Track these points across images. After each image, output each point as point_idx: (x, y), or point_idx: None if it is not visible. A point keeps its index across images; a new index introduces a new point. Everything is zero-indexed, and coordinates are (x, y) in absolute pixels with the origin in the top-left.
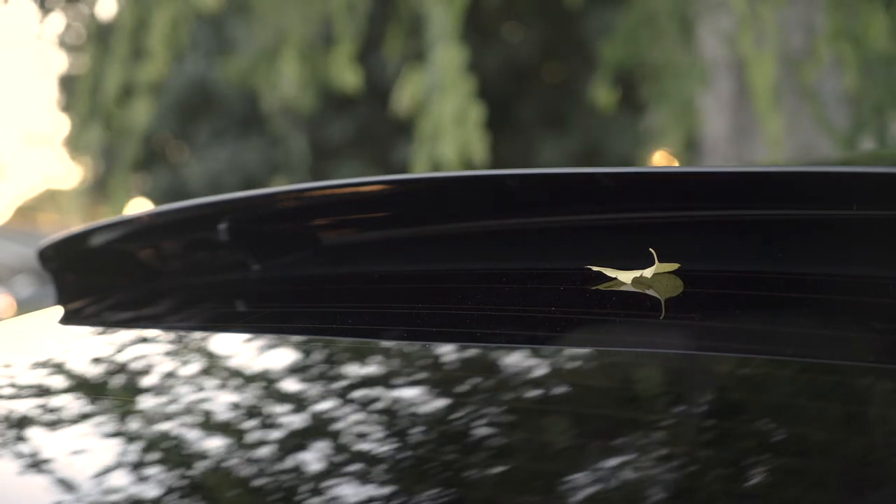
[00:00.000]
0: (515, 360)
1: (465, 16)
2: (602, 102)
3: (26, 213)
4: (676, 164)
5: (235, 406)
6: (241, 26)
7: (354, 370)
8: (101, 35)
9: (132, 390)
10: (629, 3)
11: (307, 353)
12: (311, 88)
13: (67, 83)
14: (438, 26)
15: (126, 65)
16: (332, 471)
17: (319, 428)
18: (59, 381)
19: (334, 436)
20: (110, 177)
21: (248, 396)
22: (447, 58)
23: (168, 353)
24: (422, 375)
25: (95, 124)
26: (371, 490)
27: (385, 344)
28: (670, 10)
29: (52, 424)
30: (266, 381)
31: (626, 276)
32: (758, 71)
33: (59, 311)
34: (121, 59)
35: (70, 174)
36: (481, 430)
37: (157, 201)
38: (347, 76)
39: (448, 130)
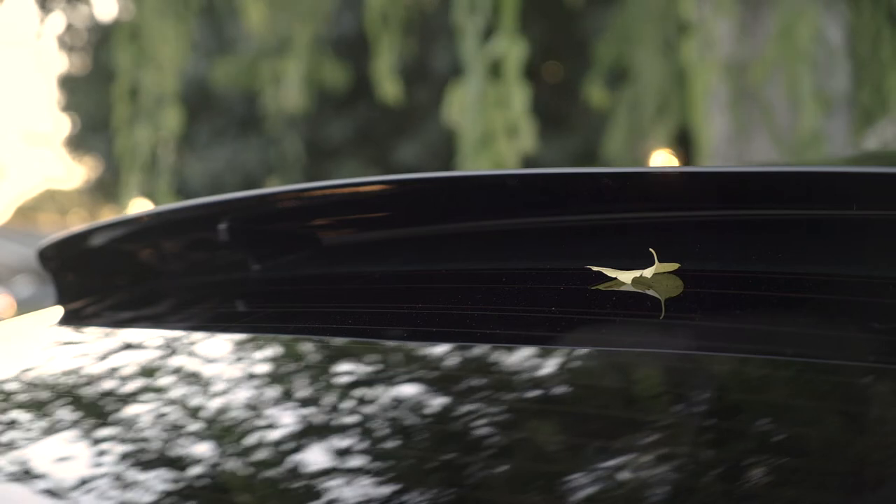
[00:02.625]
0: (515, 360)
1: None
2: (595, 101)
3: (26, 213)
4: (677, 163)
5: (235, 406)
6: (241, 26)
7: (354, 370)
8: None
9: (132, 390)
10: (624, 3)
11: (307, 353)
12: (310, 90)
13: (67, 83)
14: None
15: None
16: (333, 471)
17: (319, 428)
18: (59, 382)
19: (334, 436)
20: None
21: (248, 396)
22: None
23: (168, 354)
24: (422, 375)
25: (140, 130)
26: (371, 490)
27: (385, 344)
28: (666, 11)
29: (53, 424)
30: (266, 381)
31: (626, 276)
32: (699, 78)
33: (59, 311)
34: (156, 66)
35: (70, 174)
36: (481, 430)
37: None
38: (388, 87)
39: (497, 136)
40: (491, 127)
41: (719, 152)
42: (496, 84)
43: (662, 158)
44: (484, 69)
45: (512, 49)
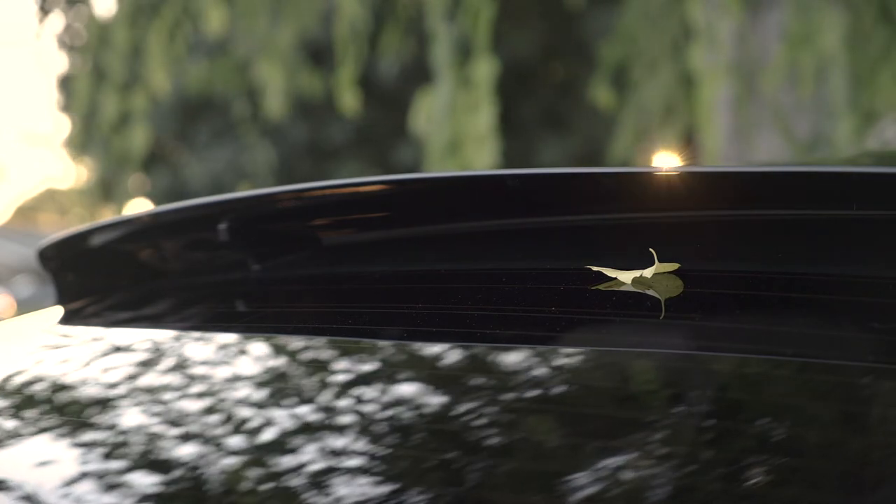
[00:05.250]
0: (515, 360)
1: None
2: (601, 102)
3: (26, 213)
4: (677, 163)
5: (236, 406)
6: (242, 27)
7: (354, 370)
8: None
9: (133, 390)
10: (627, 3)
11: (307, 353)
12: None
13: (67, 83)
14: (447, 44)
15: (122, 92)
16: (333, 470)
17: (319, 428)
18: (59, 382)
19: (334, 436)
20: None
21: (248, 396)
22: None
23: (168, 354)
24: (422, 375)
25: (95, 150)
26: (371, 490)
27: (385, 344)
28: (669, 12)
29: (53, 424)
30: (266, 381)
31: (626, 276)
32: (708, 83)
33: (59, 311)
34: (116, 87)
35: (70, 174)
36: (481, 430)
37: (157, 201)
38: (347, 99)
39: (466, 144)
40: (459, 135)
41: (721, 152)
42: (466, 92)
43: (666, 160)
44: (455, 77)
45: (483, 68)
